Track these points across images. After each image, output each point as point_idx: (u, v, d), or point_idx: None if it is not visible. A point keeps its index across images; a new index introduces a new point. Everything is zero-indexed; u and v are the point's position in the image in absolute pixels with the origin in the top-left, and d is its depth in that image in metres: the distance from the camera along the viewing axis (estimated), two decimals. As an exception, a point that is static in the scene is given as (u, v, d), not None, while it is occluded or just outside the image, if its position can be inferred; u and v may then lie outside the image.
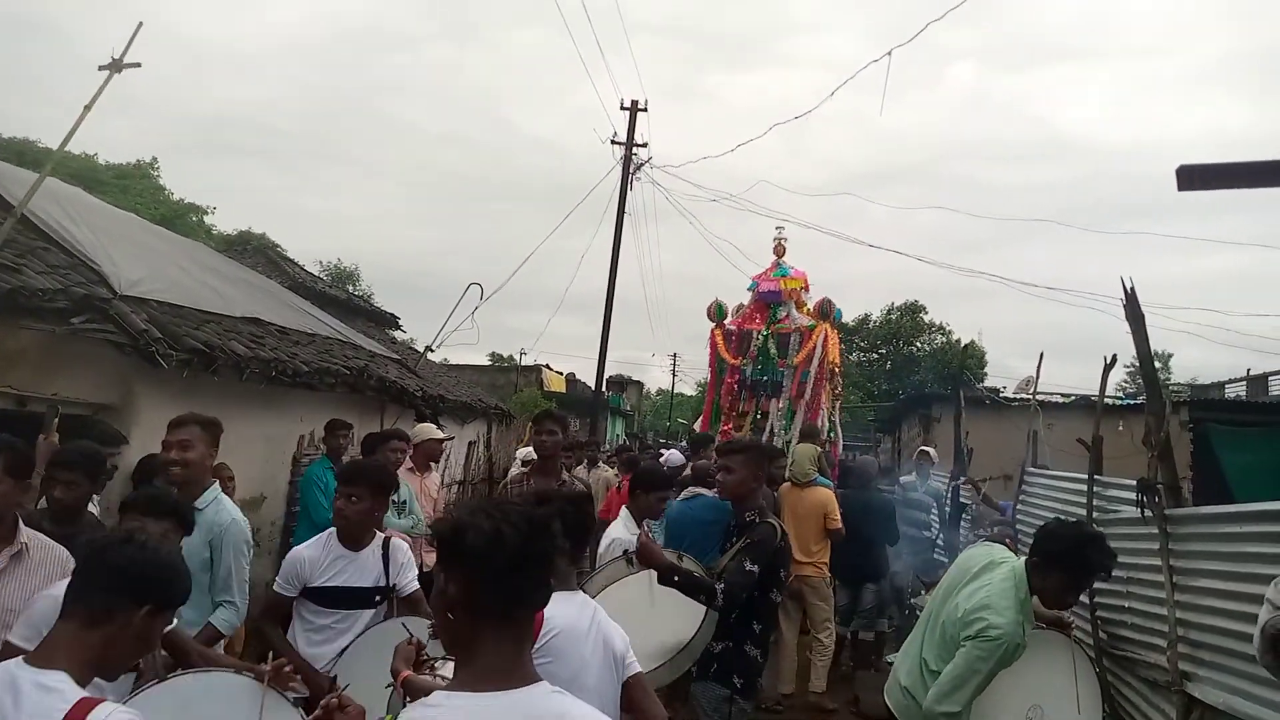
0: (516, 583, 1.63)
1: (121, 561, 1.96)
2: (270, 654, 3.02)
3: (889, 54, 9.03)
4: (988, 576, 3.51)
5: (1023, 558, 3.59)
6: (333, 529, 3.83)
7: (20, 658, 1.87)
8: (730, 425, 11.96)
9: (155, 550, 2.04)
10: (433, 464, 7.35)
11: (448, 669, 2.72)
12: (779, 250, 12.78)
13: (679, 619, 3.84)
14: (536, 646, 2.46)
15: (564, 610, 2.60)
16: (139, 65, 5.74)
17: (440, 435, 7.43)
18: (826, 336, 11.90)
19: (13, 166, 7.53)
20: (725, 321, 12.55)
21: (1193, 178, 3.36)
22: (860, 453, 16.99)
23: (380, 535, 3.93)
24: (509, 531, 1.62)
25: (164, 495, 3.26)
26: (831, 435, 12.36)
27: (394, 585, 3.83)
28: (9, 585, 2.79)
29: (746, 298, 12.95)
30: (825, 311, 12.04)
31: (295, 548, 3.90)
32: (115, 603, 1.90)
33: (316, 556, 3.73)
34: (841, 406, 13.99)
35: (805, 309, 12.36)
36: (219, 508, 3.71)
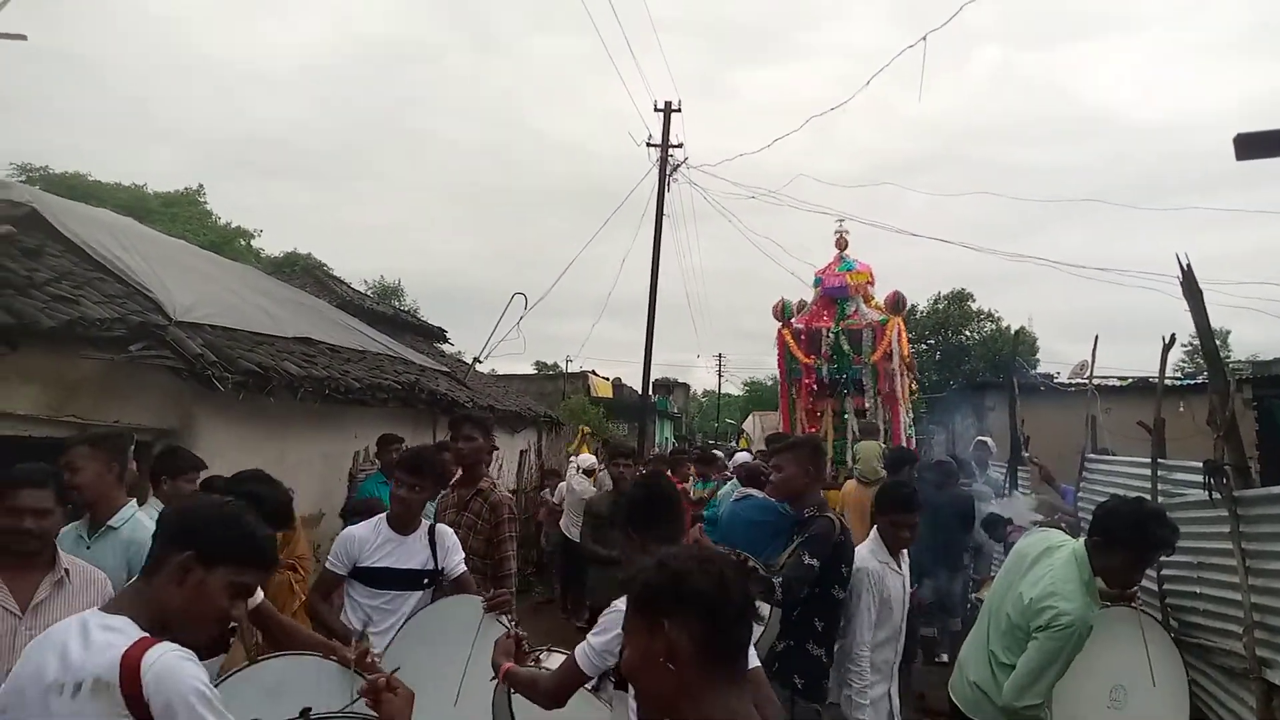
0: (740, 628, 1.61)
1: (171, 512, 2.08)
2: (354, 639, 3.09)
3: (924, 39, 8.95)
4: (1048, 561, 3.46)
5: (1082, 538, 3.52)
6: (383, 514, 4.05)
7: (95, 607, 2.00)
8: (808, 426, 11.80)
9: (210, 502, 2.12)
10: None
11: (552, 660, 2.74)
12: (841, 243, 12.54)
13: None
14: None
15: None
16: (24, 37, 5.71)
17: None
18: (900, 331, 11.70)
19: (62, 199, 7.73)
20: (792, 320, 12.36)
21: (1252, 146, 3.27)
22: (918, 443, 16.71)
23: (426, 521, 4.14)
24: (731, 575, 1.60)
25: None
26: (912, 430, 12.20)
27: (442, 569, 4.03)
28: (53, 612, 2.80)
29: (794, 293, 12.80)
30: (899, 305, 11.82)
31: (346, 530, 4.13)
32: (163, 552, 1.98)
33: (367, 537, 3.96)
34: (914, 401, 13.73)
35: (874, 303, 12.12)
36: (136, 525, 3.61)
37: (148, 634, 1.86)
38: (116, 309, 5.43)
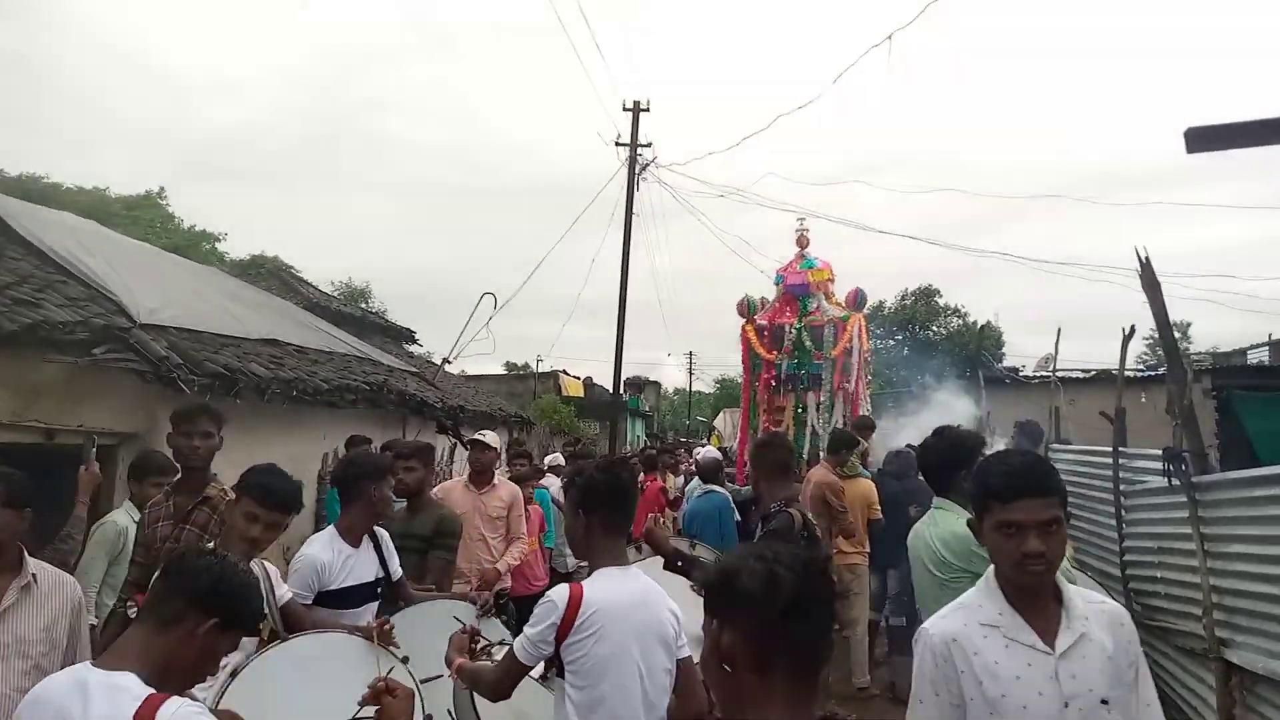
0: (796, 630, 1.50)
1: (198, 571, 2.02)
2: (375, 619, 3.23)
3: (889, 38, 9.01)
4: (932, 528, 3.58)
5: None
6: (332, 529, 3.86)
7: (88, 661, 1.95)
8: (769, 420, 11.91)
9: (233, 568, 2.09)
10: (495, 476, 5.99)
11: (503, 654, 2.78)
12: (802, 242, 12.65)
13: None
14: (577, 623, 2.52)
15: (605, 587, 2.62)
16: None
17: (484, 440, 5.96)
18: (861, 327, 11.86)
19: (22, 202, 7.62)
20: (755, 316, 12.45)
21: (1202, 139, 3.34)
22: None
23: None
24: (784, 574, 1.50)
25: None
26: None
27: (391, 574, 3.93)
28: (21, 617, 2.77)
29: (759, 290, 12.89)
30: (859, 302, 11.97)
31: (306, 554, 3.70)
32: (186, 610, 1.96)
33: (330, 559, 3.68)
34: (871, 395, 13.92)
35: (834, 300, 12.26)
36: None
37: (152, 689, 1.82)
38: (79, 312, 5.37)
